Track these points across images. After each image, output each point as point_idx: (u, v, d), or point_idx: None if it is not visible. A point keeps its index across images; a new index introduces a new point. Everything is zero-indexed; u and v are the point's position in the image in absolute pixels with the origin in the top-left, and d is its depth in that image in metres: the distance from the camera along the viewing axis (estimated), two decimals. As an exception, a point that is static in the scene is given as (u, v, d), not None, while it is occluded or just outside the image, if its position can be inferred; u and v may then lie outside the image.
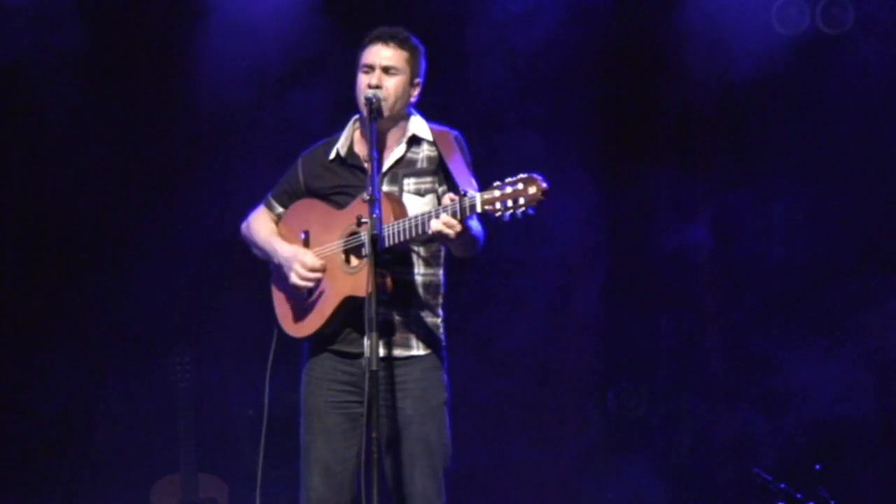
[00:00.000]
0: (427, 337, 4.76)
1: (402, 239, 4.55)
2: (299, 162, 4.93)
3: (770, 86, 7.44)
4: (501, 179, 4.39)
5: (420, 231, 4.51)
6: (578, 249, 7.55)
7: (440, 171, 4.77)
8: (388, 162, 4.78)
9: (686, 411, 7.60)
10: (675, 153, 7.63)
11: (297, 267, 4.74)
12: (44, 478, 7.47)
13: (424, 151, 4.81)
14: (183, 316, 7.52)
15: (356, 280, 4.62)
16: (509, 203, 4.34)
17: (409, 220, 4.54)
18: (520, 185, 4.34)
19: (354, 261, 4.69)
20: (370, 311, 4.43)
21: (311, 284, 4.74)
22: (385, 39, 4.75)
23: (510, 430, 7.65)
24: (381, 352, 4.63)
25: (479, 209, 4.40)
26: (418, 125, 4.83)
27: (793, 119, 7.51)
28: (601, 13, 7.48)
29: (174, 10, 7.44)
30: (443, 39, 7.37)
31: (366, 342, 4.47)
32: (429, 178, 4.78)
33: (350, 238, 4.71)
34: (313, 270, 4.72)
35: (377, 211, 4.45)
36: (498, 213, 4.37)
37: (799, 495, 6.55)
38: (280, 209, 4.95)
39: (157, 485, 7.26)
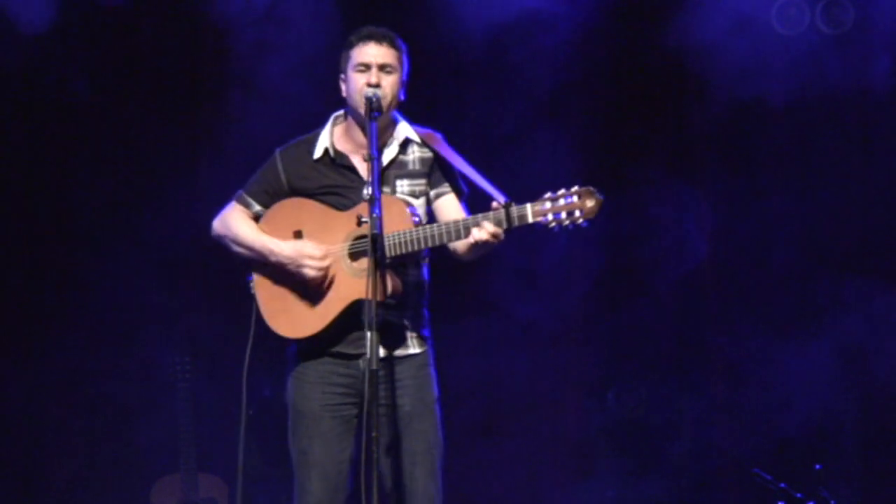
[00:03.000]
0: (420, 335, 4.77)
1: (427, 245, 4.53)
2: (277, 158, 4.83)
3: (768, 86, 7.44)
4: (553, 191, 4.37)
5: (458, 237, 4.49)
6: (578, 252, 7.55)
7: (433, 172, 4.75)
8: (381, 163, 4.73)
9: (685, 411, 7.60)
10: (672, 155, 7.63)
11: (308, 261, 4.67)
12: (44, 478, 7.47)
13: (416, 153, 4.79)
14: (183, 316, 7.52)
15: (365, 283, 4.53)
16: (563, 215, 4.36)
17: (446, 225, 4.52)
18: (575, 198, 4.36)
19: (364, 263, 4.60)
20: (370, 311, 4.42)
21: (323, 275, 4.67)
22: (378, 39, 4.72)
23: (510, 431, 7.65)
24: (381, 352, 4.63)
25: (529, 220, 4.40)
26: (405, 126, 4.81)
27: (790, 119, 7.51)
28: (601, 25, 7.49)
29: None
30: (445, 49, 7.41)
31: (367, 342, 4.46)
32: (422, 181, 4.76)
33: (357, 241, 4.66)
34: (322, 260, 4.67)
35: (377, 210, 4.43)
36: (551, 225, 4.37)
37: (799, 495, 6.55)
38: (258, 207, 4.84)
39: (157, 485, 7.26)
